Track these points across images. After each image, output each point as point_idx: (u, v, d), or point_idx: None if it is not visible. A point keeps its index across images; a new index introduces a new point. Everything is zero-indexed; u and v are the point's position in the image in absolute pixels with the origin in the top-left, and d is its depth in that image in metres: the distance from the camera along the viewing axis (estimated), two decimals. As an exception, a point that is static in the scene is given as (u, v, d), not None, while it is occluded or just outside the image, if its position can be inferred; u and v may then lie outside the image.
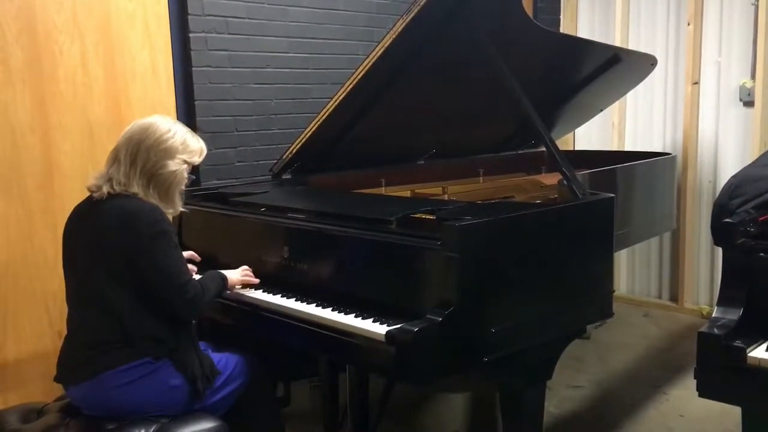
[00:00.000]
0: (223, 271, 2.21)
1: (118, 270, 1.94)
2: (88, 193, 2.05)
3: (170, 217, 2.05)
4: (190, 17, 3.12)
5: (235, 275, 2.22)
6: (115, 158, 2.02)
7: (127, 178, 1.98)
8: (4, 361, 2.69)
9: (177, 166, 2.02)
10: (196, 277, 2.27)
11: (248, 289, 2.26)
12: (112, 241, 1.93)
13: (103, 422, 1.93)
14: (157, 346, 1.97)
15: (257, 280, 2.26)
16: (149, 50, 3.03)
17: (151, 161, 1.99)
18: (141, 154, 1.99)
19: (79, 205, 2.09)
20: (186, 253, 2.32)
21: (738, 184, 2.06)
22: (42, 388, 2.68)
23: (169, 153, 2.01)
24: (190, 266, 2.27)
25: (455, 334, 1.78)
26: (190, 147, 2.07)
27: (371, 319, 1.87)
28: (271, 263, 2.28)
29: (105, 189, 1.98)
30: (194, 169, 3.12)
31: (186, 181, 2.10)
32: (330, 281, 2.13)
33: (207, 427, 1.95)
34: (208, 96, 3.22)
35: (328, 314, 1.97)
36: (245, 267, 2.28)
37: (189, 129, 2.12)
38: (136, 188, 1.98)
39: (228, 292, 2.20)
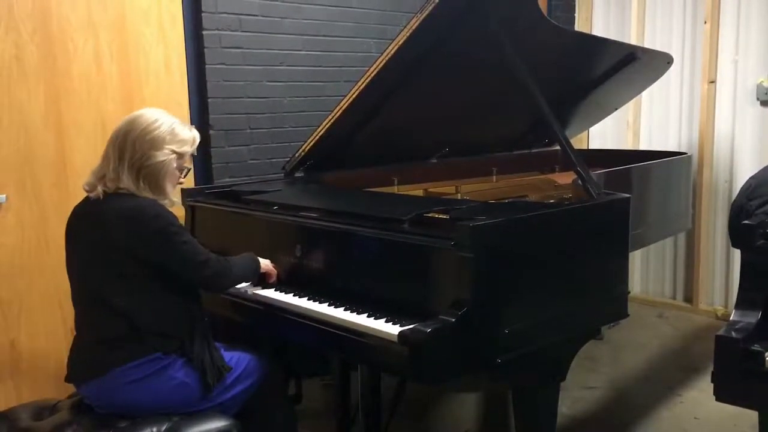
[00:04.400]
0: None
1: (124, 269, 1.93)
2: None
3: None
4: (203, 15, 3.13)
5: (263, 261, 2.24)
6: (105, 154, 2.00)
7: (116, 173, 1.95)
8: (18, 358, 2.70)
9: (165, 156, 1.98)
10: None
11: (260, 287, 2.25)
12: (115, 242, 1.91)
13: (114, 419, 1.93)
14: (166, 342, 1.97)
15: (275, 272, 2.26)
16: (163, 48, 3.03)
17: (138, 153, 1.95)
18: (128, 146, 1.96)
19: (77, 205, 2.07)
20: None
21: (757, 185, 2.04)
22: (55, 385, 2.69)
23: (156, 143, 1.97)
24: None
25: (468, 335, 1.76)
26: (179, 136, 2.02)
27: (384, 319, 1.86)
28: (284, 262, 2.28)
29: (100, 188, 1.96)
30: (207, 168, 3.18)
31: (180, 172, 2.06)
32: (342, 280, 2.12)
33: (219, 425, 1.95)
34: (222, 93, 3.22)
35: (340, 314, 1.97)
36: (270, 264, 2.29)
37: (179, 119, 2.07)
38: (126, 182, 1.95)
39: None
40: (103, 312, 1.95)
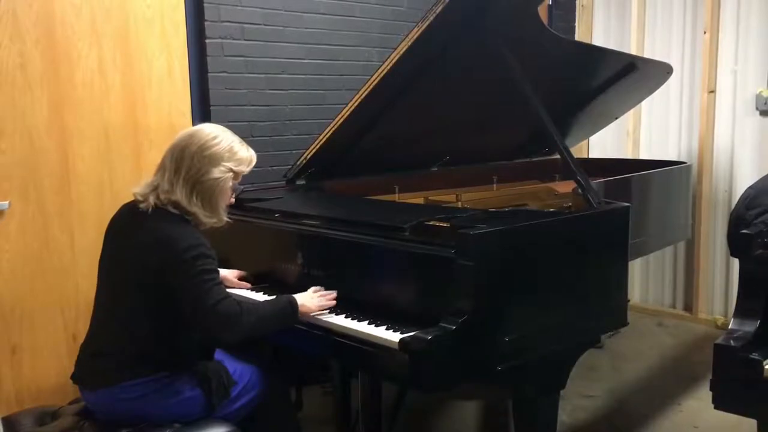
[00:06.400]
0: (296, 295, 2.04)
1: (149, 294, 1.91)
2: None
3: (211, 227, 2.00)
4: (206, 23, 3.15)
5: (310, 301, 2.03)
6: (161, 165, 1.99)
7: (171, 184, 1.94)
8: (20, 364, 2.71)
9: (221, 173, 1.97)
10: (250, 294, 2.27)
11: (261, 295, 2.26)
12: (147, 266, 1.89)
13: (117, 427, 1.94)
14: (175, 366, 1.97)
15: (333, 303, 2.08)
16: (166, 56, 3.05)
17: (195, 167, 1.94)
18: (185, 160, 1.95)
19: (124, 209, 2.05)
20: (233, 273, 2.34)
21: (755, 195, 2.05)
22: (57, 391, 2.70)
23: (214, 160, 1.96)
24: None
25: (469, 343, 1.77)
26: (237, 155, 2.01)
27: (384, 327, 1.87)
28: (285, 269, 2.29)
29: (151, 199, 1.94)
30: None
31: (232, 192, 2.05)
32: (343, 288, 2.12)
33: (221, 432, 1.96)
34: (224, 101, 3.23)
35: (341, 321, 1.98)
36: (317, 288, 2.10)
37: (239, 137, 2.06)
38: (179, 195, 1.93)
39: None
40: (120, 327, 1.96)
